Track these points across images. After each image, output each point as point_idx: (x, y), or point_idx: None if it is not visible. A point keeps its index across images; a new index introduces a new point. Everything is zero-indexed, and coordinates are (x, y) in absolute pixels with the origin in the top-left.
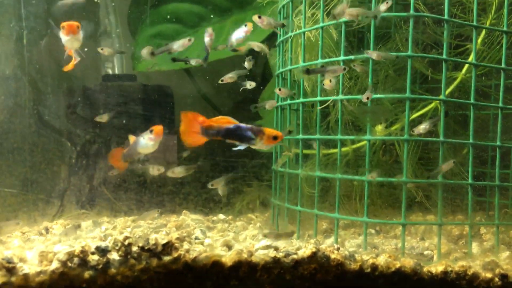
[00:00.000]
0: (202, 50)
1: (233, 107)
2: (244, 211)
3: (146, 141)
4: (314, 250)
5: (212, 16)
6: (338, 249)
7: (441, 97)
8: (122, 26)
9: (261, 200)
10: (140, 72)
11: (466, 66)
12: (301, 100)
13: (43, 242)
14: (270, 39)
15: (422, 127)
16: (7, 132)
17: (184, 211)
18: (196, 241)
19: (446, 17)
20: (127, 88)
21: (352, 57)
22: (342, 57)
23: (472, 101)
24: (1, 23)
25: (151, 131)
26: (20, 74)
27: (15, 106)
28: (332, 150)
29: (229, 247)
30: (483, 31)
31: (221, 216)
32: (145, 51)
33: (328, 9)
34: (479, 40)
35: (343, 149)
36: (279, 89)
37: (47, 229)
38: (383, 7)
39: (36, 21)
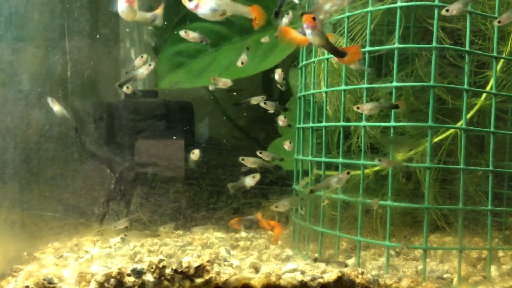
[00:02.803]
0: (224, 68)
1: (251, 122)
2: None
3: None
4: (339, 274)
5: (233, 35)
6: (362, 273)
7: (462, 125)
8: (144, 44)
9: (279, 217)
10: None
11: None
12: (324, 124)
13: (76, 259)
14: (289, 58)
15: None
16: (51, 159)
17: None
18: (225, 263)
19: (467, 48)
20: (149, 104)
21: (376, 85)
22: (365, 85)
23: (492, 129)
24: (47, 57)
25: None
26: (64, 104)
27: (59, 135)
28: (352, 172)
29: (256, 269)
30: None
31: (243, 233)
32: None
33: (351, 36)
34: (498, 68)
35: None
36: None
37: (77, 245)
38: None
39: (80, 54)
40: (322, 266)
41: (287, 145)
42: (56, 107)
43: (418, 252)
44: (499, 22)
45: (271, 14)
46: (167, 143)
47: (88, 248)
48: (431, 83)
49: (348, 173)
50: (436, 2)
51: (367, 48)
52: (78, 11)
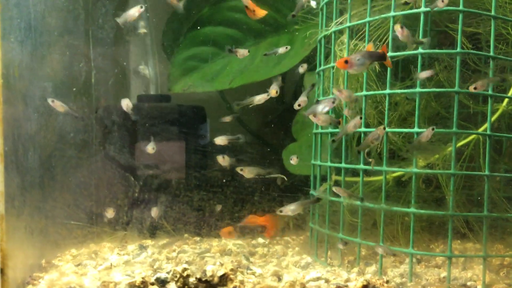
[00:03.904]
0: (238, 71)
1: (264, 126)
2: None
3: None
4: (365, 283)
5: (246, 39)
6: (387, 281)
7: (487, 131)
8: (157, 48)
9: (294, 222)
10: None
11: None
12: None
13: (95, 267)
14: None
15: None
16: (75, 167)
17: None
18: (248, 271)
19: (491, 53)
20: (162, 108)
21: (398, 91)
22: (388, 91)
23: None
24: (71, 65)
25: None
26: (88, 112)
27: (83, 142)
28: (372, 178)
29: (279, 277)
30: None
31: (260, 240)
32: None
33: (372, 40)
34: None
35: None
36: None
37: (95, 253)
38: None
39: (104, 62)
40: (345, 274)
41: (293, 160)
42: (58, 107)
43: (439, 259)
44: (474, 88)
45: (283, 17)
46: (183, 148)
47: (106, 255)
48: (456, 89)
49: (384, 128)
50: (461, 7)
51: (390, 54)
52: (102, 18)
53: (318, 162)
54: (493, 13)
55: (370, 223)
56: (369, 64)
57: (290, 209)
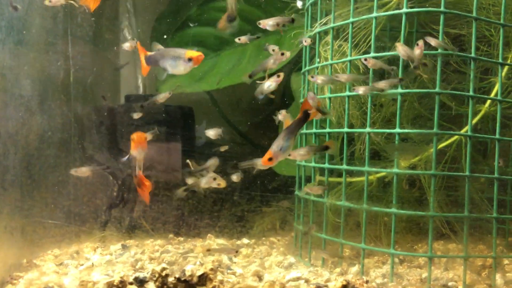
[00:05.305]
0: (226, 73)
1: (252, 127)
2: (263, 233)
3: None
4: (344, 283)
5: (234, 40)
6: (367, 282)
7: (468, 132)
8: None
9: (280, 222)
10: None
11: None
12: (328, 130)
13: (76, 266)
14: (291, 63)
15: None
16: (53, 166)
17: (209, 235)
18: (228, 271)
19: (473, 55)
20: (150, 108)
21: (384, 92)
22: (370, 92)
23: (497, 136)
24: (50, 63)
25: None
26: (66, 110)
27: (61, 141)
28: (355, 179)
29: (260, 277)
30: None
31: (245, 240)
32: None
33: (356, 41)
34: (503, 74)
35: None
36: None
37: (77, 252)
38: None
39: (83, 60)
40: (326, 274)
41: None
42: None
43: (422, 259)
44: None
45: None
46: (168, 148)
47: (88, 255)
48: (437, 89)
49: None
50: (442, 9)
51: (372, 54)
52: (81, 16)
53: (303, 163)
54: (474, 14)
55: (353, 224)
56: (295, 138)
57: (299, 154)
